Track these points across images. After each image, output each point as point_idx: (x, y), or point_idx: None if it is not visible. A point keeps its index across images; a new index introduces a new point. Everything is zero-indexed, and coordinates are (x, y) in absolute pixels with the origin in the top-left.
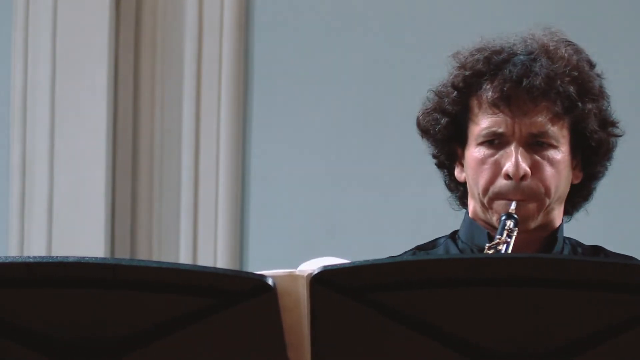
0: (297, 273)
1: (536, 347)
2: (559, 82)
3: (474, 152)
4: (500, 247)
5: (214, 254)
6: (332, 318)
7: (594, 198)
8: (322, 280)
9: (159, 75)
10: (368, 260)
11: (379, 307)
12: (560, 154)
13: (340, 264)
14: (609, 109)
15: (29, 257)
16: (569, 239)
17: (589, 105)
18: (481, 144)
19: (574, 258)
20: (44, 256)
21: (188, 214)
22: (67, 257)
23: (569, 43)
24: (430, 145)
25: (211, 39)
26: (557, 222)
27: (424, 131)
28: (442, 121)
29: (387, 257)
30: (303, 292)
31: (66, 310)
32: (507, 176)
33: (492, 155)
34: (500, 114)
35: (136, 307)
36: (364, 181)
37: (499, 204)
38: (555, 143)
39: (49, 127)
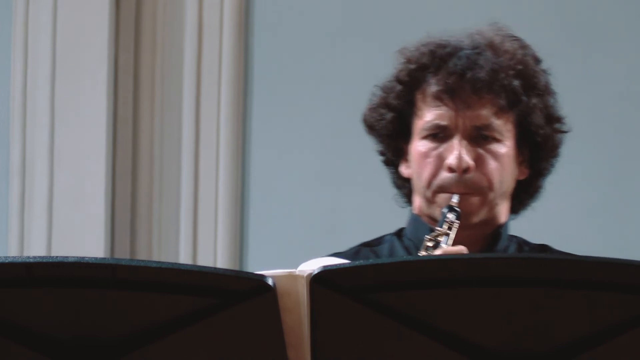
0: (297, 273)
1: (536, 347)
2: (503, 75)
3: (418, 146)
4: (440, 239)
5: (214, 254)
6: (331, 318)
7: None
8: (322, 280)
9: (159, 76)
10: (368, 260)
11: (379, 307)
12: (505, 148)
13: (340, 264)
14: (555, 105)
15: (28, 257)
16: (515, 237)
17: (534, 100)
18: (425, 137)
19: (574, 258)
20: (43, 256)
21: (188, 214)
22: (66, 257)
23: (515, 38)
24: (376, 141)
25: (211, 39)
26: (502, 219)
27: (370, 127)
28: (387, 116)
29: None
30: (303, 292)
31: (66, 310)
32: (450, 169)
33: (436, 148)
34: (444, 106)
35: (136, 307)
36: (364, 181)
37: (442, 197)
38: (499, 137)
39: (49, 126)
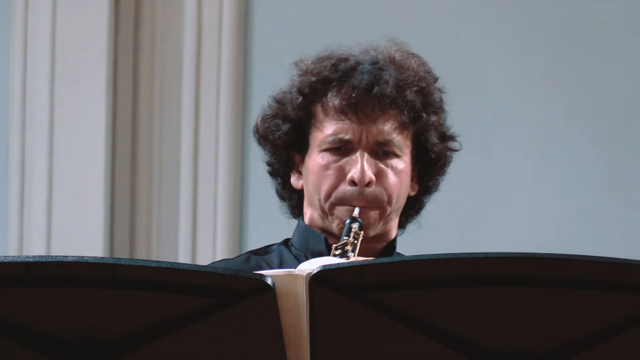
0: (296, 272)
1: (536, 347)
2: (407, 92)
3: (317, 159)
4: (347, 248)
5: (213, 254)
6: (331, 317)
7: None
8: (321, 280)
9: (158, 76)
10: (367, 260)
11: (378, 306)
12: (403, 163)
13: (339, 264)
14: (446, 123)
15: (28, 256)
16: (400, 254)
17: (432, 118)
18: (326, 150)
19: (575, 258)
20: (43, 255)
21: (187, 214)
22: (66, 256)
23: (414, 55)
24: (267, 152)
25: (210, 40)
26: (394, 233)
27: (263, 137)
28: (283, 127)
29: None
30: (302, 292)
31: (66, 309)
32: (352, 182)
33: (337, 161)
34: (347, 120)
35: (135, 306)
36: None
37: (341, 210)
38: (398, 152)
39: (48, 127)
